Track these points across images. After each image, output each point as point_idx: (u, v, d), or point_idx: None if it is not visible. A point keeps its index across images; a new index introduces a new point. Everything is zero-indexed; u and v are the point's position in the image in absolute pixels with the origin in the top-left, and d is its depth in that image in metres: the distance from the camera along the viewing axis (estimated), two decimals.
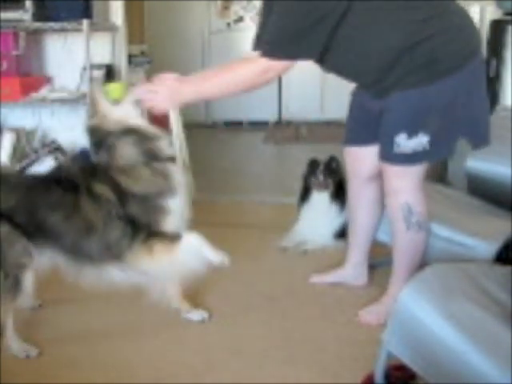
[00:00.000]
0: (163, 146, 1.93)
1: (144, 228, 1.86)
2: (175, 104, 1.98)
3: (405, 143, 1.90)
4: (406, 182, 2.00)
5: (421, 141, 1.89)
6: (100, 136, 1.88)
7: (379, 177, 2.14)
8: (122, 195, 1.83)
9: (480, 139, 1.99)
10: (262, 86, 1.89)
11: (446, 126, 1.90)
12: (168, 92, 1.92)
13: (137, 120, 1.93)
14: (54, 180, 1.88)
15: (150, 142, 1.89)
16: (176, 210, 1.92)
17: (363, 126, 2.16)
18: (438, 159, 2.07)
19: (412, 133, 1.89)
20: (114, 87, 1.94)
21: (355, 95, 2.19)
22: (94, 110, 1.90)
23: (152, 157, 1.88)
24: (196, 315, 2.14)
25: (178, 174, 1.94)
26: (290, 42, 1.80)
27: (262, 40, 1.89)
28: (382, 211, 2.30)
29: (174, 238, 1.90)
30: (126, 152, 1.86)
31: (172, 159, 1.94)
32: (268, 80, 1.87)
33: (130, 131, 1.88)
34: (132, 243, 1.85)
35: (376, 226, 2.35)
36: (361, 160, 2.23)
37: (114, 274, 1.89)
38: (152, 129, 1.93)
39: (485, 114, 1.99)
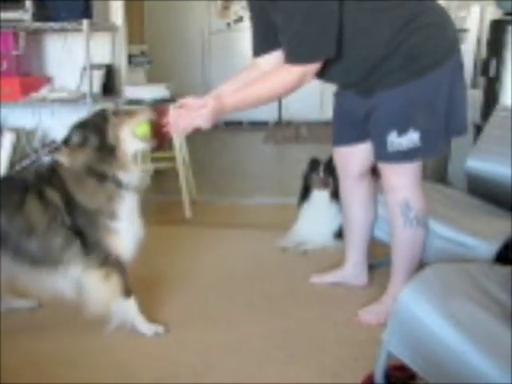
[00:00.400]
0: (126, 175, 1.92)
1: (92, 243, 1.89)
2: (214, 121, 1.93)
3: (397, 141, 1.92)
4: (403, 179, 2.02)
5: (412, 138, 1.91)
6: (72, 136, 1.89)
7: (370, 174, 2.20)
8: (70, 204, 1.87)
9: (459, 129, 2.02)
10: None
11: (434, 122, 1.93)
12: (209, 113, 1.88)
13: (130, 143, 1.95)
14: (6, 180, 1.92)
15: (109, 165, 1.89)
16: (124, 236, 1.92)
17: (349, 125, 2.19)
18: (432, 156, 2.09)
19: (402, 130, 1.91)
20: (141, 125, 2.00)
21: (338, 96, 2.21)
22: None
23: (103, 176, 1.88)
24: (149, 329, 2.04)
25: (130, 202, 1.93)
26: (316, 43, 1.80)
27: (287, 50, 1.85)
28: (375, 208, 2.33)
29: (117, 263, 1.93)
30: (78, 159, 1.87)
31: (126, 187, 1.91)
32: (308, 81, 1.87)
33: (104, 148, 1.89)
34: (77, 255, 1.89)
35: (372, 223, 2.36)
36: (350, 159, 2.25)
37: (56, 281, 1.92)
38: (123, 160, 1.92)
39: (464, 104, 2.01)
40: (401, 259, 2.10)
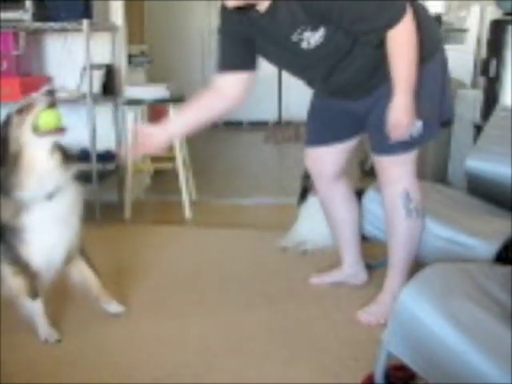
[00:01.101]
0: (23, 193, 1.80)
1: (5, 248, 1.89)
2: (411, 115, 1.93)
3: None
4: (403, 170, 2.04)
5: (416, 126, 1.94)
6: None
7: (344, 175, 2.25)
8: None
9: (449, 115, 2.08)
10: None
11: (433, 109, 1.98)
12: (401, 114, 1.88)
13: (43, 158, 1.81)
14: None
15: (9, 183, 1.79)
16: (38, 245, 1.89)
17: (325, 126, 2.21)
18: (429, 140, 2.11)
19: None
20: (45, 114, 1.78)
21: (316, 97, 2.22)
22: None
23: (6, 193, 1.81)
24: (113, 307, 2.15)
25: (43, 216, 1.84)
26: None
27: (383, 23, 1.79)
28: (356, 204, 2.36)
29: (25, 268, 1.92)
30: None
31: (36, 198, 1.81)
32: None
33: (5, 161, 1.79)
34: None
35: (357, 220, 2.38)
36: (324, 161, 2.26)
37: None
38: (24, 174, 1.79)
39: (450, 93, 2.06)
40: (399, 253, 2.12)
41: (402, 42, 1.80)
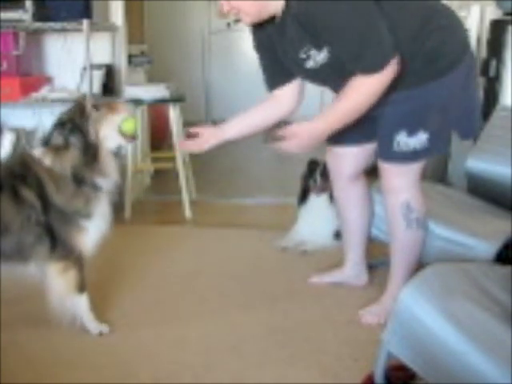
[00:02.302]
0: (103, 180, 1.93)
1: (60, 240, 1.90)
2: (314, 143, 1.95)
3: (405, 141, 1.92)
4: (405, 181, 2.01)
5: (421, 138, 1.91)
6: (64, 126, 1.88)
7: (363, 175, 2.21)
8: (46, 204, 1.86)
9: (470, 131, 2.04)
10: None
11: (444, 123, 1.93)
12: (307, 133, 1.91)
13: (110, 149, 1.95)
14: None
15: (90, 171, 1.89)
16: (92, 233, 1.95)
17: (349, 126, 2.17)
18: (436, 155, 2.10)
19: (412, 131, 1.91)
20: (128, 121, 1.96)
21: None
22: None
23: (83, 181, 1.89)
24: (94, 328, 2.04)
25: (104, 202, 1.96)
26: (382, 40, 1.76)
27: (364, 66, 1.78)
28: (371, 208, 2.33)
29: (77, 259, 1.94)
30: (65, 163, 1.87)
31: (104, 190, 1.94)
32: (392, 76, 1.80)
33: (87, 150, 1.88)
34: (45, 252, 1.90)
35: (369, 223, 2.36)
36: (344, 160, 2.24)
37: (25, 275, 1.94)
38: (103, 163, 1.92)
39: (476, 107, 2.02)
40: (400, 260, 2.10)
41: (363, 91, 1.80)
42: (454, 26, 1.92)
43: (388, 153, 1.98)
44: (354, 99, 1.83)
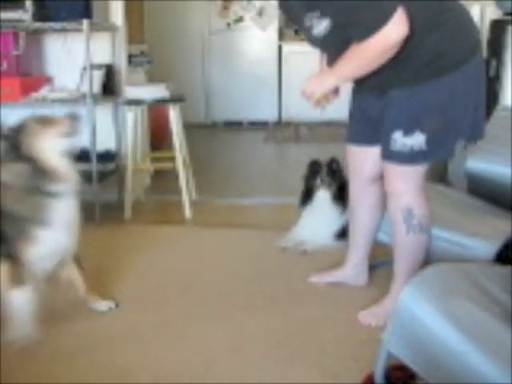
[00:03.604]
0: (58, 185, 1.94)
1: (8, 247, 1.91)
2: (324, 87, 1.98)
3: (401, 141, 1.91)
4: (406, 185, 2.00)
5: (417, 139, 1.89)
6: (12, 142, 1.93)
7: (381, 178, 2.13)
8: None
9: (476, 137, 2.03)
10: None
11: (444, 126, 1.90)
12: (316, 80, 1.99)
13: (53, 156, 1.96)
14: None
15: (42, 178, 1.92)
16: (46, 244, 1.94)
17: (364, 125, 2.16)
18: (436, 159, 2.07)
19: (408, 130, 1.90)
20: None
21: (355, 93, 2.18)
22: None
23: (34, 189, 1.91)
24: (103, 305, 2.18)
25: (62, 211, 1.96)
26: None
27: (367, 26, 1.75)
28: (383, 212, 2.29)
29: (28, 271, 1.94)
30: (16, 174, 1.91)
31: (58, 196, 1.94)
32: (400, 38, 1.75)
33: (27, 161, 1.92)
34: None
35: (377, 227, 2.34)
36: (362, 160, 2.22)
37: None
38: (54, 169, 1.95)
39: (483, 115, 1.99)
40: (403, 263, 2.09)
41: (367, 53, 1.79)
42: (463, 26, 1.89)
43: (387, 151, 1.97)
44: (363, 58, 1.82)
